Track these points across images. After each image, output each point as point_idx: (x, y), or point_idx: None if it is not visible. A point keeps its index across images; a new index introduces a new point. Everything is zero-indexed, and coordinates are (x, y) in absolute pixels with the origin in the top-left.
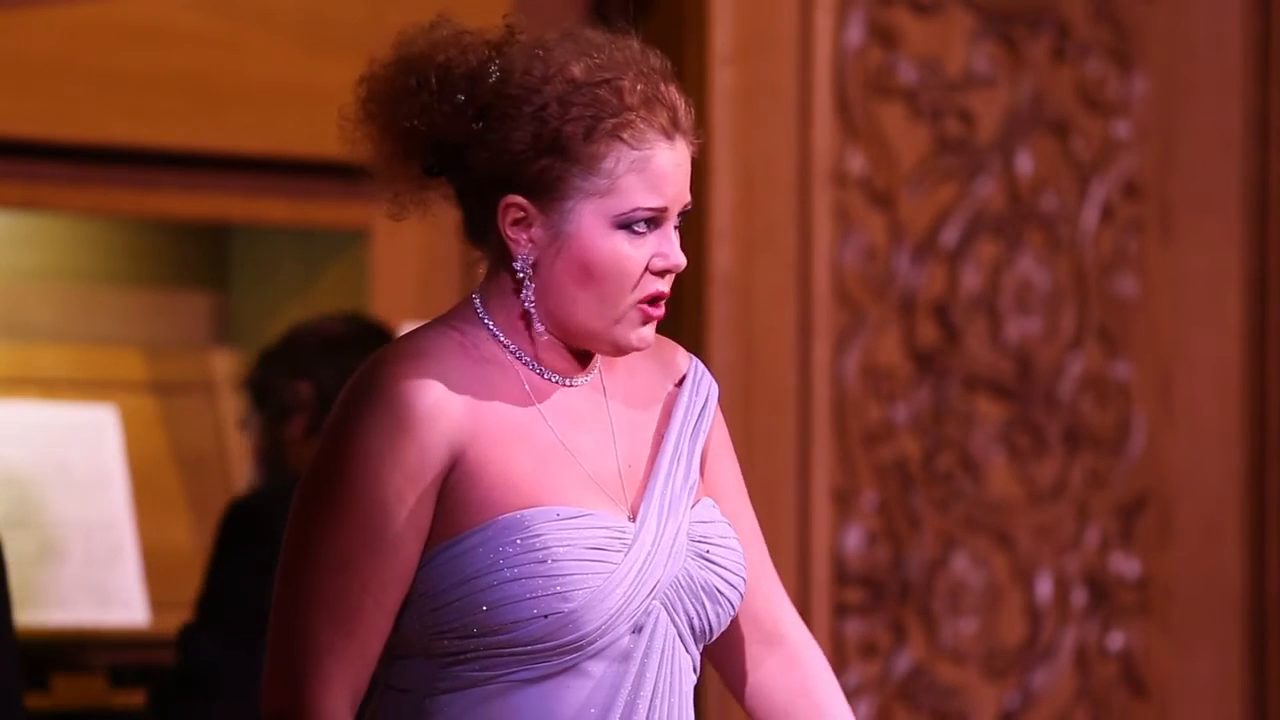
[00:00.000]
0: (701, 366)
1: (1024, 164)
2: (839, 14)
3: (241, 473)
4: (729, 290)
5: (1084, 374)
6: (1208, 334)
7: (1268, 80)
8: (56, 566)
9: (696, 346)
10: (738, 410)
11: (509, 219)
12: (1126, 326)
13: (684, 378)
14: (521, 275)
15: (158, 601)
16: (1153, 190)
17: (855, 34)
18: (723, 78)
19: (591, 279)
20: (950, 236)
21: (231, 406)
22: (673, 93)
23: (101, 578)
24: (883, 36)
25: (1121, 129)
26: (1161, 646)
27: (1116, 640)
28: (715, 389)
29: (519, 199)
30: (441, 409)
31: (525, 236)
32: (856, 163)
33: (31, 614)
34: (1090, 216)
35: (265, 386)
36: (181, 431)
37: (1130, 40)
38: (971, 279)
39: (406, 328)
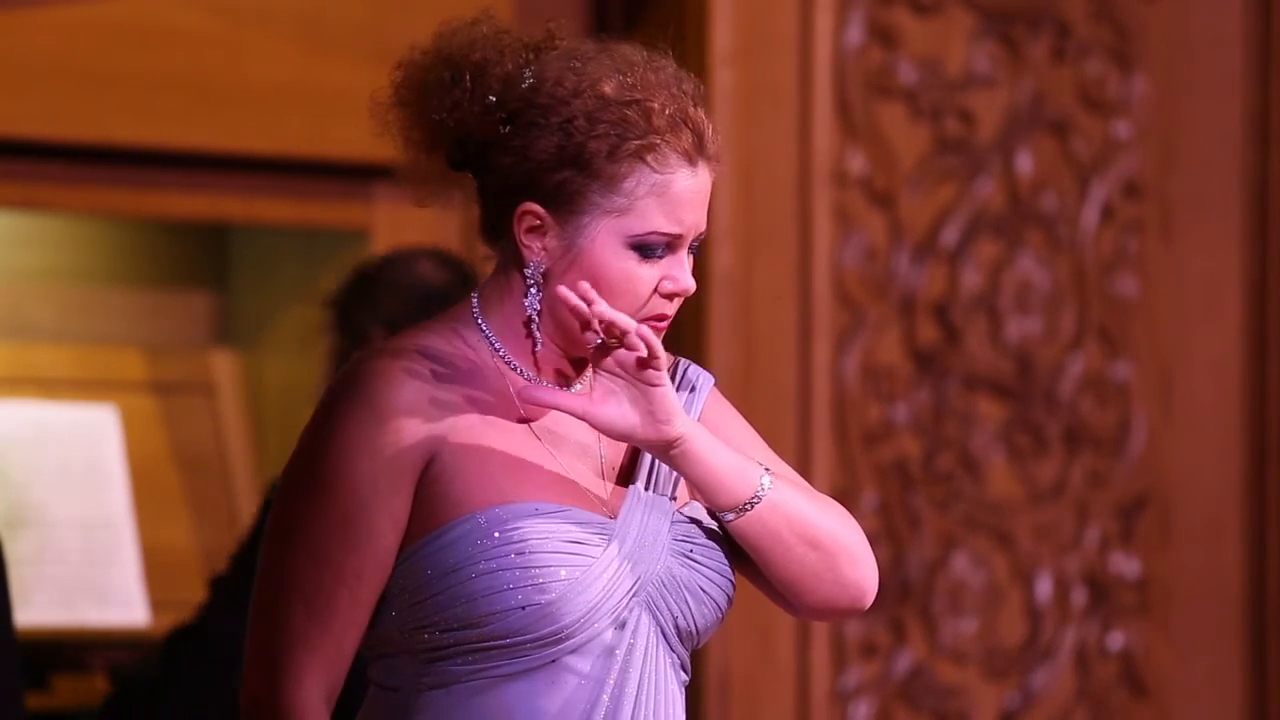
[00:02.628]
0: (686, 364)
1: (1024, 164)
2: (839, 14)
3: (242, 472)
4: (729, 290)
5: (1084, 374)
6: (1208, 334)
7: (1268, 80)
8: (56, 566)
9: (697, 346)
10: (738, 410)
11: (524, 226)
12: (1126, 326)
13: None
14: (530, 283)
15: (157, 601)
16: (1153, 190)
17: (855, 34)
18: (723, 78)
19: (600, 295)
20: (950, 236)
21: (232, 406)
22: (700, 116)
23: (101, 577)
24: (883, 36)
25: (1121, 129)
26: (1161, 646)
27: (1116, 640)
28: (706, 379)
29: (536, 207)
30: (420, 403)
31: (539, 244)
32: (856, 163)
33: (31, 614)
34: (1090, 216)
35: (349, 316)
36: (181, 431)
37: (1130, 40)
38: (971, 279)
39: None
